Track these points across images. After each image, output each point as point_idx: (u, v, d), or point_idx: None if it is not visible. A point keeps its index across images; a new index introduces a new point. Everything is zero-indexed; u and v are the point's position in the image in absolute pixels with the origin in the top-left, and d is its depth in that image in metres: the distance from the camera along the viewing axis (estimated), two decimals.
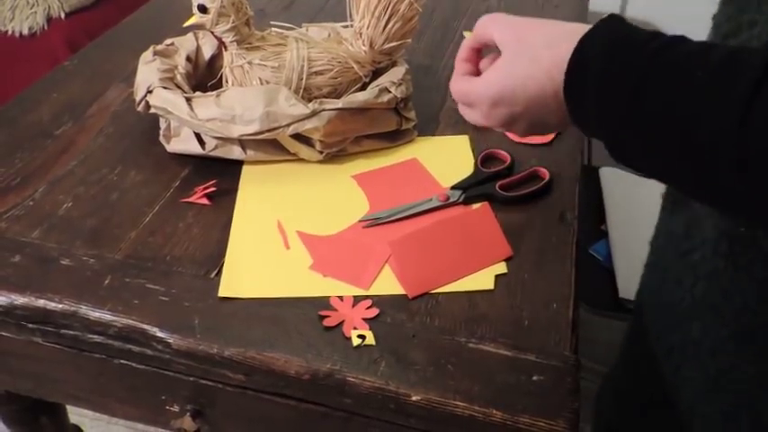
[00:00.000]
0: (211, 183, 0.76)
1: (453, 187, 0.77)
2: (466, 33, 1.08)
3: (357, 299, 0.64)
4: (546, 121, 0.52)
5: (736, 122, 0.37)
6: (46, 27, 1.58)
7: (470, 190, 0.76)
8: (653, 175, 0.44)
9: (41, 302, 0.63)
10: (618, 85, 0.43)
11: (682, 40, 0.42)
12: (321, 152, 0.79)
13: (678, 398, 0.60)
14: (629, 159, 0.45)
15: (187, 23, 1.08)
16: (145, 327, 0.61)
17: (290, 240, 0.70)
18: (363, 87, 0.82)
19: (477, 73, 0.57)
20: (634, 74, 0.42)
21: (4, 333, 0.67)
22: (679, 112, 0.39)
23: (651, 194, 1.23)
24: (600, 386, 0.82)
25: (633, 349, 0.73)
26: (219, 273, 0.66)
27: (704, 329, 0.55)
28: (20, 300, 0.63)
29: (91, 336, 0.63)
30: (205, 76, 0.87)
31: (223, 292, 0.64)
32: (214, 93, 0.76)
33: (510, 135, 0.85)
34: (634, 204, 1.26)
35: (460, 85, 0.56)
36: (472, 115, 0.57)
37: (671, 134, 0.40)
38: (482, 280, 0.66)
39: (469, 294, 0.65)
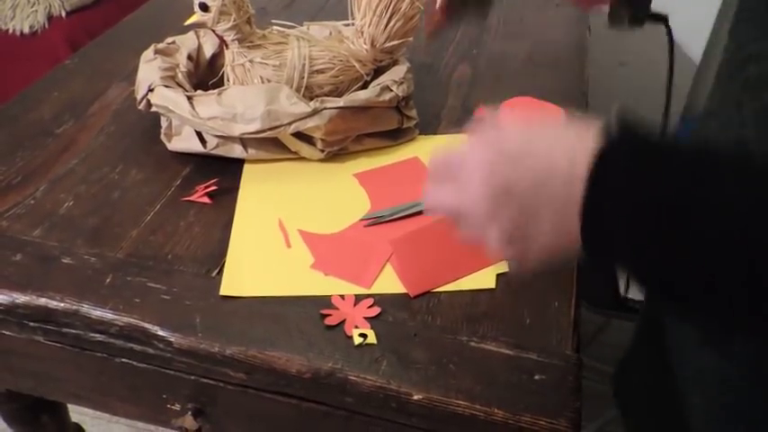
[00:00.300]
0: (213, 181, 0.76)
1: None
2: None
3: (358, 297, 0.64)
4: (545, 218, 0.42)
5: None
6: (47, 26, 1.58)
7: None
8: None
9: (43, 301, 0.63)
10: (652, 207, 0.36)
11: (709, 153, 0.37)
12: (322, 151, 0.79)
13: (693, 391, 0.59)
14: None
15: (188, 22, 1.07)
16: (146, 325, 0.61)
17: (291, 239, 0.70)
18: (365, 86, 0.82)
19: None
20: (665, 196, 0.36)
21: (5, 332, 0.67)
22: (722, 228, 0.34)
23: None
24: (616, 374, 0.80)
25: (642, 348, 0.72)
26: (221, 271, 0.66)
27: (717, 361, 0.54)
28: (21, 298, 0.63)
29: (92, 334, 0.63)
30: (206, 75, 0.87)
31: (224, 290, 0.64)
32: (215, 91, 0.76)
33: None
34: None
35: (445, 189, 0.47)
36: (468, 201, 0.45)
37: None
38: (483, 279, 0.66)
39: (471, 293, 0.65)
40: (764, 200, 0.34)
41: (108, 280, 0.65)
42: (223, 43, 0.79)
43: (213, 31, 0.77)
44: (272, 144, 0.78)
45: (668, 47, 0.59)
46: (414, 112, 0.84)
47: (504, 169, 0.43)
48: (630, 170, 0.37)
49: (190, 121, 0.76)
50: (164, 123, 0.81)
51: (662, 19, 0.58)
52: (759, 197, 0.34)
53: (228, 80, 0.80)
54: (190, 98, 0.75)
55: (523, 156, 0.43)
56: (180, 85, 0.79)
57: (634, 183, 0.37)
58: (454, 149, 0.47)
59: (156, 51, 0.83)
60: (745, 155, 0.37)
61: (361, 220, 0.73)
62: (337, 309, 0.63)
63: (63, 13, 1.59)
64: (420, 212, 0.73)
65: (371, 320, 0.62)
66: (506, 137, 0.45)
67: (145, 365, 0.65)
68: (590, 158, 0.38)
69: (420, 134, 0.85)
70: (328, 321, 0.61)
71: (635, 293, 1.11)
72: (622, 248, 0.38)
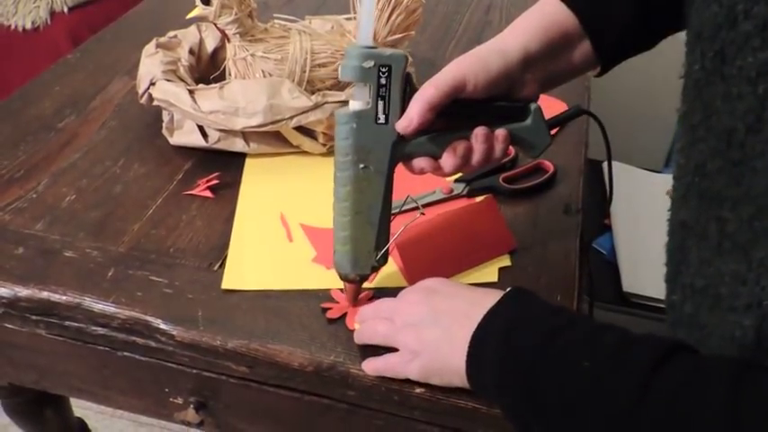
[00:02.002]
0: (214, 175, 0.76)
1: (457, 180, 0.76)
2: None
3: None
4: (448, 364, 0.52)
5: (621, 420, 0.40)
6: (49, 21, 1.58)
7: (474, 182, 0.76)
8: None
9: (45, 294, 0.63)
10: (514, 370, 0.47)
11: (572, 323, 0.46)
12: (324, 144, 0.79)
13: None
14: None
15: (190, 16, 1.07)
16: (148, 319, 0.61)
17: (293, 233, 0.70)
18: None
19: None
20: (525, 358, 0.46)
21: (7, 325, 0.67)
22: (570, 398, 0.43)
23: (655, 188, 1.23)
24: None
25: None
26: (223, 265, 0.66)
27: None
28: (23, 292, 0.63)
29: (94, 328, 0.63)
30: (208, 69, 0.87)
31: (226, 284, 0.64)
32: (217, 85, 0.76)
33: None
34: (638, 198, 1.26)
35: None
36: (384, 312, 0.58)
37: (567, 424, 0.44)
38: (486, 273, 0.66)
39: (474, 287, 0.65)
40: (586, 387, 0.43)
41: (110, 273, 0.65)
42: (225, 37, 0.78)
43: (215, 24, 0.77)
44: (273, 138, 0.78)
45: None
46: None
47: (436, 290, 0.56)
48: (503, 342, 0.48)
49: (191, 115, 0.75)
50: (165, 117, 0.81)
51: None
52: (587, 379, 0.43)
53: (230, 74, 0.80)
54: (191, 92, 0.75)
55: (451, 291, 0.56)
56: (182, 79, 0.79)
57: (506, 348, 0.48)
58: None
59: (158, 45, 0.83)
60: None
61: None
62: (338, 302, 0.62)
63: (65, 9, 1.59)
64: (423, 206, 0.73)
65: None
66: (437, 282, 0.57)
67: (147, 359, 0.65)
68: (483, 317, 0.50)
69: None
70: (330, 315, 0.61)
71: (638, 288, 1.11)
72: (492, 389, 0.49)
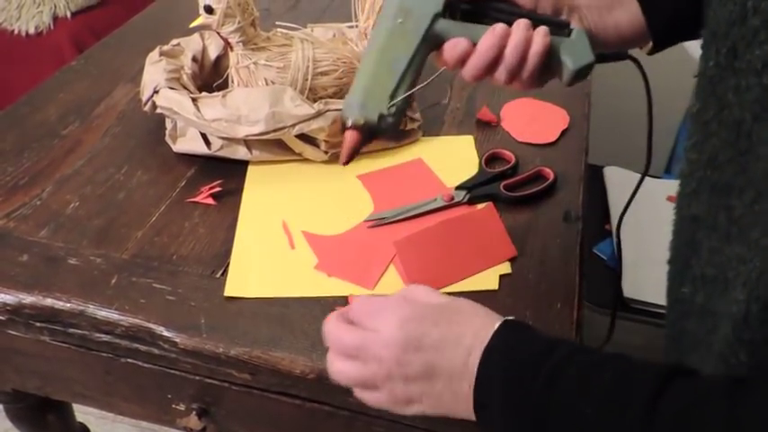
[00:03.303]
0: (217, 183, 0.76)
1: (458, 187, 0.77)
2: None
3: None
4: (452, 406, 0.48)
5: None
6: (52, 26, 1.59)
7: (475, 190, 0.76)
8: None
9: (49, 301, 0.64)
10: (520, 419, 0.45)
11: (570, 361, 0.44)
12: (326, 152, 0.79)
13: None
14: None
15: (193, 24, 1.08)
16: (151, 326, 0.62)
17: (295, 240, 0.71)
18: None
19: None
20: (530, 413, 0.44)
21: (11, 332, 0.67)
22: None
23: (656, 194, 1.23)
24: None
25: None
26: (225, 272, 0.67)
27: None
28: (27, 299, 0.64)
29: (98, 335, 0.64)
30: (211, 77, 0.87)
31: (229, 291, 0.65)
32: (220, 93, 0.76)
33: (514, 134, 0.86)
34: (639, 203, 1.26)
35: (348, 333, 0.49)
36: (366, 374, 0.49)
37: None
38: (486, 280, 0.67)
39: (474, 294, 0.65)
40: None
41: (113, 281, 0.65)
42: (228, 45, 0.79)
43: (218, 33, 0.77)
44: (276, 146, 0.79)
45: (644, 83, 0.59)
46: (417, 114, 0.85)
47: (420, 321, 0.48)
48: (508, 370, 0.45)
49: (194, 123, 0.76)
50: (168, 125, 0.81)
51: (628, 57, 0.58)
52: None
53: (233, 82, 0.81)
54: (194, 100, 0.75)
55: (436, 317, 0.48)
56: (185, 87, 0.80)
57: (510, 379, 0.45)
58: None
59: (162, 53, 0.83)
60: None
61: (365, 221, 0.73)
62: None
63: (68, 14, 1.60)
64: (423, 214, 0.74)
65: None
66: (422, 300, 0.50)
67: (150, 366, 0.65)
68: (483, 350, 0.46)
69: (423, 136, 0.85)
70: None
71: (638, 294, 1.11)
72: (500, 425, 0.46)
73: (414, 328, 0.48)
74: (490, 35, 0.52)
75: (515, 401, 0.45)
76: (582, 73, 0.55)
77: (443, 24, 0.53)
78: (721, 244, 0.47)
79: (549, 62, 0.54)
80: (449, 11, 0.53)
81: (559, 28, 0.54)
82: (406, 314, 0.48)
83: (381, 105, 0.52)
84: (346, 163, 0.54)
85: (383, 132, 0.53)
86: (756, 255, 0.42)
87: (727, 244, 0.46)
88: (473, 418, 0.47)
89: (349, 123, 0.53)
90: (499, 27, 0.52)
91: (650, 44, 0.60)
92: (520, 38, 0.52)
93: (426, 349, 0.47)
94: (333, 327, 0.50)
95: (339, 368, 0.50)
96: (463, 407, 0.47)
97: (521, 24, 0.52)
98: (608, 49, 0.58)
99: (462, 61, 0.53)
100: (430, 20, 0.52)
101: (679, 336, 0.57)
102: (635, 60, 0.58)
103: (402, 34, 0.53)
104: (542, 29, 0.53)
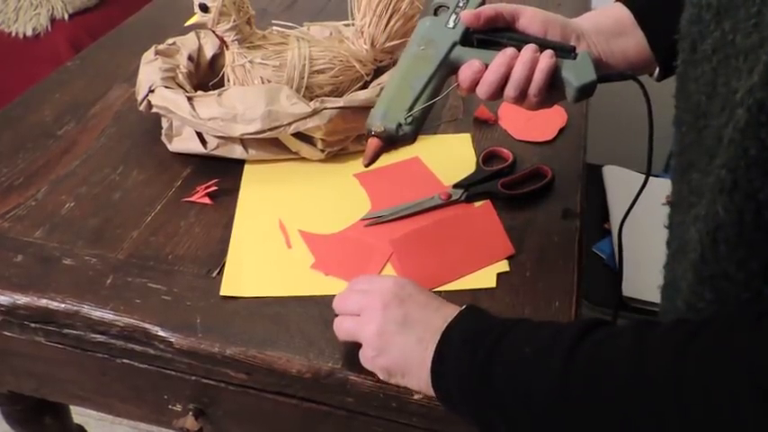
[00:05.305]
0: (213, 182, 0.76)
1: (455, 185, 0.76)
2: None
3: None
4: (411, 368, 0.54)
5: (556, 385, 0.46)
6: (49, 28, 1.59)
7: (472, 188, 0.76)
8: None
9: (44, 302, 0.63)
10: (471, 375, 0.50)
11: (516, 325, 0.51)
12: (323, 151, 0.79)
13: None
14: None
15: (189, 23, 1.08)
16: (147, 326, 0.61)
17: (291, 239, 0.70)
18: (365, 86, 0.82)
19: None
20: (480, 365, 0.49)
21: (6, 333, 0.67)
22: (518, 382, 0.48)
23: (655, 192, 1.23)
24: None
25: None
26: (221, 272, 0.66)
27: None
28: (22, 299, 0.64)
29: (93, 335, 0.63)
30: (207, 76, 0.87)
31: (225, 291, 0.64)
32: (216, 92, 0.76)
33: (511, 132, 0.85)
34: (638, 203, 1.25)
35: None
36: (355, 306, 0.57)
37: (515, 404, 0.48)
38: (484, 278, 0.66)
39: (472, 292, 0.65)
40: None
41: (109, 281, 0.65)
42: (223, 44, 0.79)
43: (213, 31, 0.77)
44: (272, 144, 0.78)
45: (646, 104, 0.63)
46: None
47: (413, 285, 0.57)
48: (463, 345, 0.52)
49: (190, 122, 0.76)
50: (164, 124, 0.81)
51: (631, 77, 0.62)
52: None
53: (229, 81, 0.80)
54: (190, 99, 0.75)
55: (427, 291, 0.58)
56: (180, 86, 0.80)
57: (464, 353, 0.51)
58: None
59: (157, 52, 0.83)
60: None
61: (362, 220, 0.73)
62: None
63: (65, 16, 1.60)
64: (420, 212, 0.73)
65: None
66: (409, 287, 0.58)
67: (146, 366, 0.65)
68: (442, 333, 0.53)
69: (420, 134, 0.84)
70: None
71: (637, 293, 1.10)
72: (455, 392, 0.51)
73: (407, 285, 0.57)
74: (501, 56, 0.59)
75: (469, 355, 0.50)
76: (586, 90, 0.59)
77: (460, 51, 0.61)
78: (684, 216, 0.51)
79: (555, 81, 0.59)
80: (466, 39, 0.61)
81: (566, 52, 0.60)
82: (404, 280, 0.58)
83: (400, 116, 0.59)
84: (368, 165, 0.61)
85: (401, 139, 0.60)
86: (706, 196, 0.45)
87: (688, 214, 0.49)
88: (429, 380, 0.52)
89: (372, 131, 0.60)
90: (509, 49, 0.59)
91: (657, 71, 0.64)
92: (527, 57, 0.58)
93: (411, 303, 0.55)
94: (339, 297, 0.59)
95: (339, 322, 0.58)
96: (426, 366, 0.52)
97: (529, 47, 0.59)
98: (616, 67, 0.63)
99: (476, 81, 0.59)
100: (449, 47, 0.61)
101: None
102: (638, 81, 0.62)
103: (423, 59, 0.61)
104: (548, 51, 0.59)
